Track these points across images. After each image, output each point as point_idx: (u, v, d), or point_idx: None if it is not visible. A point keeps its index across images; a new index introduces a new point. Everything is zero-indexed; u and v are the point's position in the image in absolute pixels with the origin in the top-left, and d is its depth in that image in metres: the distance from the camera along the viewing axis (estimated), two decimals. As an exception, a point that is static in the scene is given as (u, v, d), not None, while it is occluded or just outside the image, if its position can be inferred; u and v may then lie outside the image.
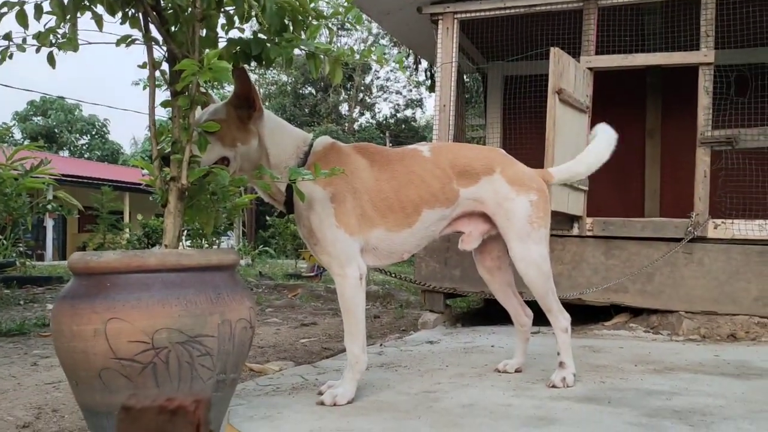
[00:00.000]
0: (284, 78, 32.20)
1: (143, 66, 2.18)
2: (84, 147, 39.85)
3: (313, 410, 2.31)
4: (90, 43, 2.11)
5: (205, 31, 2.08)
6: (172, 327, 1.75)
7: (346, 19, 2.19)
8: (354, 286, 2.46)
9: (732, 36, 4.84)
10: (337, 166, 2.31)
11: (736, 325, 4.14)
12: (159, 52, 2.15)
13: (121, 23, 2.11)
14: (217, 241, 10.40)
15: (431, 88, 6.86)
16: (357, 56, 2.06)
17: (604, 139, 2.98)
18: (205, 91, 2.32)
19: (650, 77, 6.65)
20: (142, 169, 2.36)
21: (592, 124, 4.67)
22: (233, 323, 1.87)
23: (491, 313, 5.32)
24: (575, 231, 4.63)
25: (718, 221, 4.38)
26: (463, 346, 3.85)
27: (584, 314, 4.61)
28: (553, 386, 2.67)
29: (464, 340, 4.13)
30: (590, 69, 4.62)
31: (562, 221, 4.62)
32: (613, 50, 4.92)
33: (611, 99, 5.93)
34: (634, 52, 4.82)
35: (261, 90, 33.92)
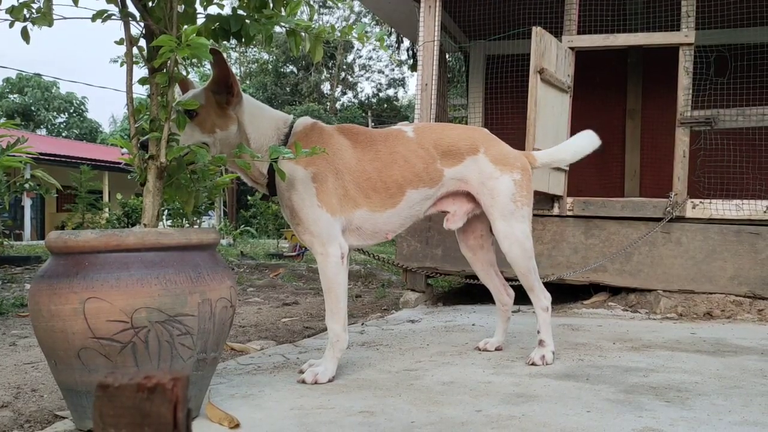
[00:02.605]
0: (265, 56, 31.90)
1: (120, 42, 2.14)
2: (62, 125, 39.26)
3: (294, 388, 2.32)
4: (65, 18, 2.06)
5: (183, 6, 2.05)
6: (152, 306, 1.74)
7: (328, -3, 2.17)
8: (335, 265, 2.47)
9: (712, 16, 4.87)
10: (319, 146, 2.30)
11: (713, 303, 4.21)
12: (136, 29, 2.11)
13: (97, -2, 2.07)
14: (198, 221, 10.34)
15: (413, 67, 6.83)
16: (338, 34, 2.04)
17: (589, 137, 3.00)
18: (184, 71, 2.28)
19: (631, 57, 6.68)
20: (122, 147, 2.33)
21: (574, 104, 4.71)
22: (213, 302, 1.87)
23: (472, 292, 5.36)
24: (556, 211, 4.66)
25: (696, 201, 4.43)
26: (444, 325, 3.87)
27: (564, 293, 4.65)
28: (533, 364, 2.70)
29: (445, 319, 4.16)
30: (572, 49, 4.62)
31: (542, 201, 4.64)
32: (595, 30, 4.92)
33: (593, 79, 5.97)
34: (615, 32, 4.83)
35: (242, 68, 33.58)
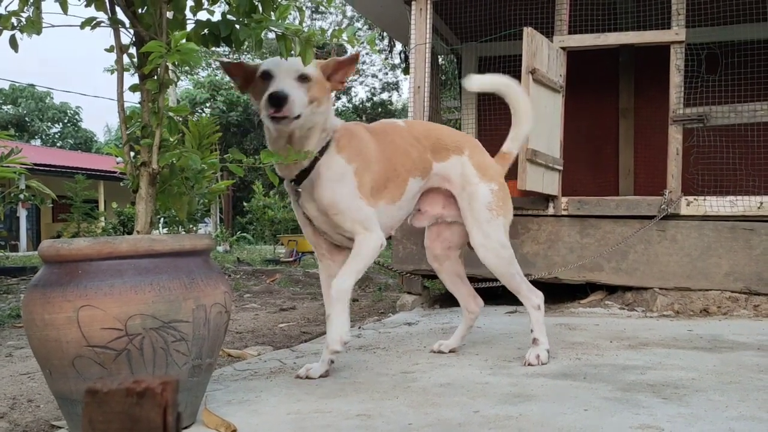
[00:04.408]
0: (259, 61, 31.91)
1: (110, 50, 2.14)
2: (56, 135, 39.20)
3: (292, 393, 2.32)
4: (54, 26, 2.06)
5: (172, 13, 2.05)
6: (146, 313, 1.73)
7: (318, 0, 2.19)
8: (375, 245, 2.50)
9: (702, 14, 4.88)
10: (354, 143, 2.51)
11: (709, 300, 4.21)
12: (127, 36, 2.11)
13: (86, 5, 2.07)
14: (194, 228, 10.33)
15: (406, 71, 6.84)
16: (328, 37, 2.05)
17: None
18: (175, 77, 2.29)
19: (623, 56, 6.69)
20: (116, 156, 2.32)
21: (567, 104, 4.71)
22: (208, 308, 1.86)
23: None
24: (551, 210, 4.67)
25: (691, 198, 4.44)
26: (441, 327, 3.87)
27: (561, 293, 4.66)
28: (529, 364, 2.69)
29: (442, 321, 4.15)
30: (563, 48, 4.63)
31: (537, 201, 4.65)
32: (586, 30, 4.93)
33: (585, 79, 5.97)
34: (606, 32, 4.84)
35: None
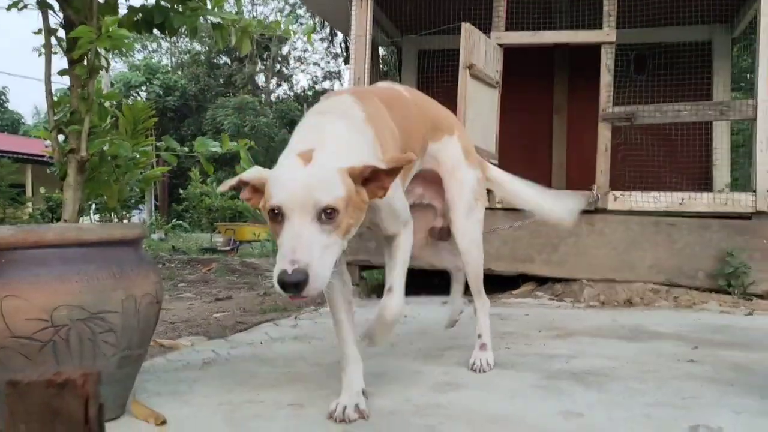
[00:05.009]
0: (198, 47, 31.21)
1: (38, 32, 2.07)
2: (-20, 117, 37.37)
3: (224, 384, 2.31)
4: (-23, 6, 1.98)
5: (104, -4, 2.00)
6: (73, 304, 1.70)
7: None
8: (412, 240, 2.17)
9: (632, 16, 5.07)
10: (380, 123, 2.03)
11: (633, 291, 4.40)
12: (56, 18, 2.05)
13: (13, -14, 2.00)
14: (127, 215, 10.06)
15: (347, 61, 6.84)
16: (265, 27, 2.04)
17: (560, 203, 2.89)
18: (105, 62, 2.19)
19: (558, 55, 6.87)
20: (45, 140, 2.25)
21: (503, 100, 4.82)
22: (138, 298, 1.84)
23: (406, 285, 5.41)
24: (486, 204, 4.76)
25: (618, 193, 4.61)
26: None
27: (494, 284, 4.76)
28: (482, 370, 2.48)
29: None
30: (500, 45, 4.72)
31: (473, 194, 4.74)
32: (523, 27, 5.05)
33: (521, 76, 6.10)
34: (542, 30, 4.96)
35: (173, 59, 32.76)
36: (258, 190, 1.75)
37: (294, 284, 1.56)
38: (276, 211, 1.66)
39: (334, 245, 1.66)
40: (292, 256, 1.57)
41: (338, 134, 1.85)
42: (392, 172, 1.75)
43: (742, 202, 4.46)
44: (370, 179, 1.74)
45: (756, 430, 1.79)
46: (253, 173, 1.78)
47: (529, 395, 2.13)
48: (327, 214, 1.64)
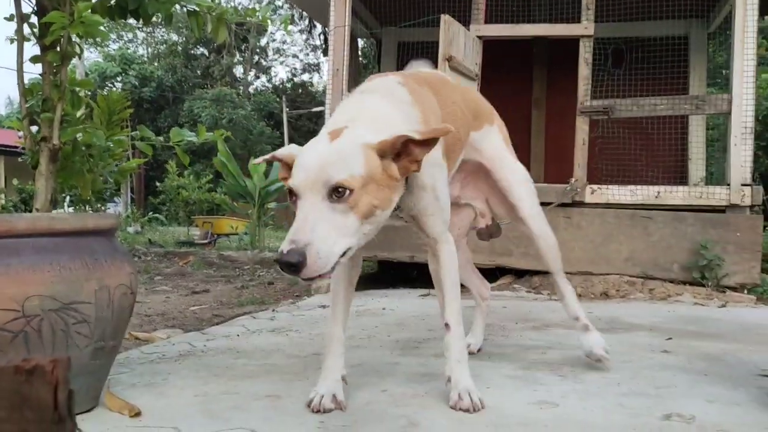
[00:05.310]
0: (175, 37, 30.87)
1: (11, 19, 2.03)
2: (-49, 106, 36.63)
3: (200, 376, 2.29)
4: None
5: (77, -18, 1.96)
6: (45, 294, 1.67)
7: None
8: (454, 249, 2.01)
9: (610, 10, 5.10)
10: (435, 116, 1.90)
11: (609, 284, 4.44)
12: (29, 5, 2.01)
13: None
14: (102, 208, 9.93)
15: (326, 52, 6.81)
16: (240, 15, 2.01)
17: None
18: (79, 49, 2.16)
19: (537, 48, 6.90)
20: (18, 130, 2.21)
21: (482, 92, 4.82)
22: (112, 289, 1.81)
23: (385, 278, 5.43)
24: (464, 196, 4.78)
25: (595, 187, 4.65)
26: (355, 310, 3.90)
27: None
28: (602, 357, 2.34)
29: (357, 303, 4.18)
30: (480, 37, 4.73)
31: (451, 187, 4.75)
32: (502, 20, 5.06)
33: (500, 68, 6.12)
34: (521, 23, 4.98)
35: (149, 49, 32.38)
36: (291, 168, 1.65)
37: (288, 265, 1.48)
38: (292, 193, 1.59)
39: (349, 227, 1.55)
40: (293, 236, 1.50)
41: (378, 111, 1.75)
42: (427, 143, 1.61)
43: (717, 195, 4.53)
44: (403, 153, 1.62)
45: (727, 417, 1.82)
46: (285, 150, 1.72)
47: (505, 385, 2.14)
48: (338, 193, 1.54)
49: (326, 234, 1.52)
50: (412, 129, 1.67)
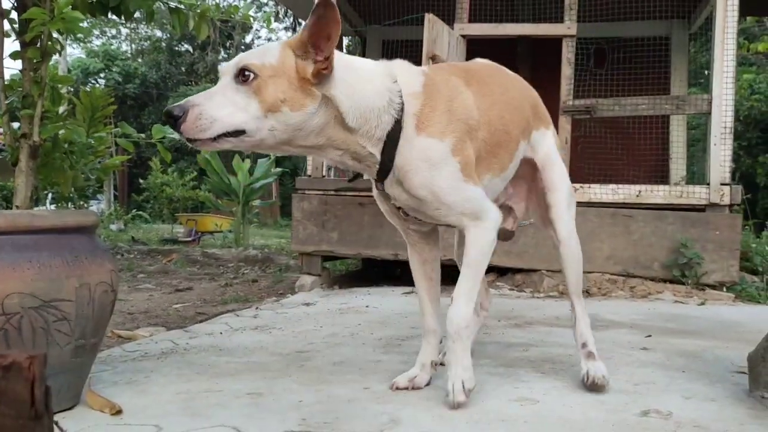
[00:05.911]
0: (158, 33, 30.64)
1: (-10, 14, 2.02)
2: (-70, 102, 36.14)
3: (182, 374, 2.29)
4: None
5: (58, -22, 1.95)
6: (24, 291, 1.66)
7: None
8: (491, 236, 1.97)
9: (593, 10, 5.14)
10: (442, 105, 1.86)
11: (590, 281, 4.48)
12: (8, 1, 2.00)
13: (-39, -35, 1.94)
14: (85, 205, 9.85)
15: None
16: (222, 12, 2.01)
17: None
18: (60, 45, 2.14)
19: (521, 47, 6.93)
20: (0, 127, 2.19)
21: (465, 91, 4.85)
22: (93, 287, 1.81)
23: (369, 275, 5.43)
24: (448, 194, 4.80)
25: (578, 185, 4.68)
26: (339, 308, 3.91)
27: (454, 275, 4.80)
28: (600, 385, 2.10)
29: (340, 301, 4.20)
30: (463, 36, 4.74)
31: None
32: (486, 19, 5.08)
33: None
34: (505, 22, 5.01)
35: (133, 46, 32.13)
36: None
37: (169, 114, 1.59)
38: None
39: (248, 110, 1.62)
40: (188, 98, 1.63)
41: (371, 64, 1.84)
42: (326, 26, 1.61)
43: (696, 194, 4.58)
44: (315, 46, 1.64)
45: (704, 413, 1.85)
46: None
47: (486, 382, 2.16)
48: (243, 75, 1.62)
49: (218, 104, 1.62)
50: (411, 126, 1.81)
